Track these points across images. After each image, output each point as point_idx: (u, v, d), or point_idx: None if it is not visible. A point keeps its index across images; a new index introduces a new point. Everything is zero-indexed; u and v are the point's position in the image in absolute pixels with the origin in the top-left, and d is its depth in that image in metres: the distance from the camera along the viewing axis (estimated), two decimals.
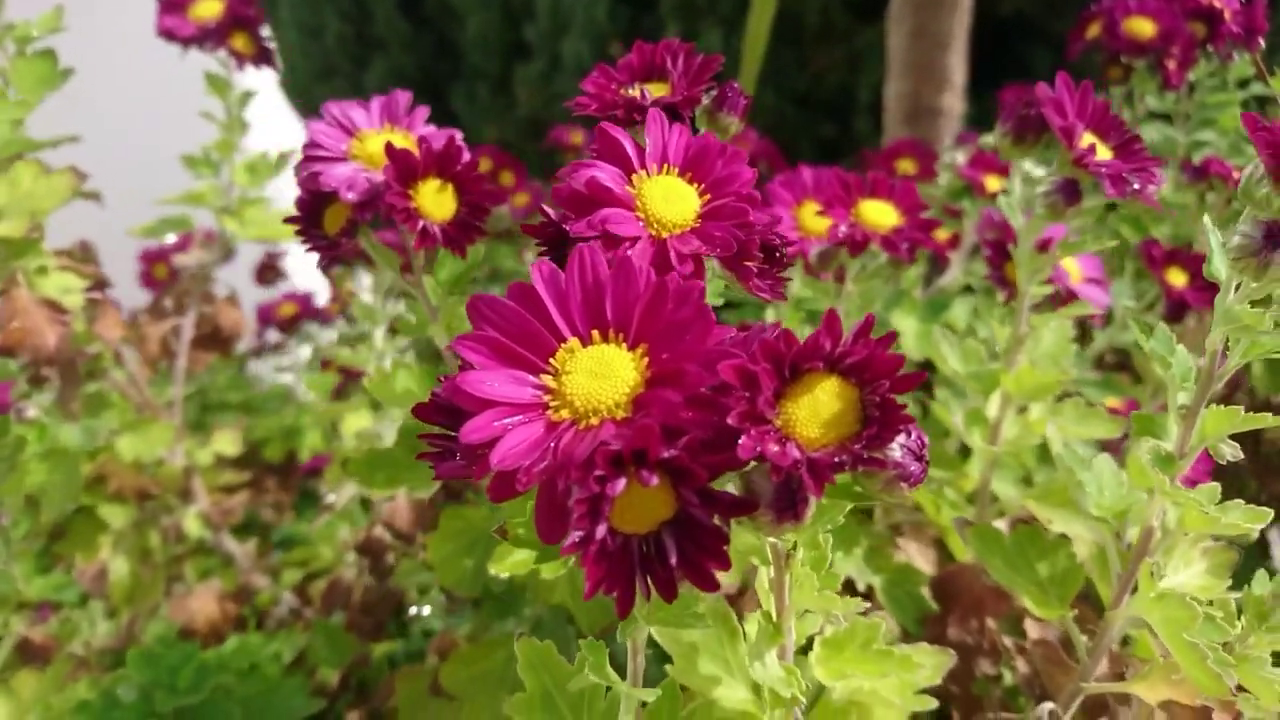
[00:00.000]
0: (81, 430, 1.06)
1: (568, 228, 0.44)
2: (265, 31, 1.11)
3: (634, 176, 0.46)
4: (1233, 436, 0.52)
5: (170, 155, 1.21)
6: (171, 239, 1.59)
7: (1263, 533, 1.12)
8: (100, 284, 1.00)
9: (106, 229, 1.28)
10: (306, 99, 3.36)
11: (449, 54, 3.17)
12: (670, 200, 0.45)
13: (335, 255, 0.65)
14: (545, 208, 0.48)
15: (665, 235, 0.45)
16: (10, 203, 0.86)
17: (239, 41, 1.08)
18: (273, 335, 1.95)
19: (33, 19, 0.93)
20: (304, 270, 2.01)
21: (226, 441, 1.25)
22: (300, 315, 1.88)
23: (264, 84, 1.21)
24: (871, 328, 0.35)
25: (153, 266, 1.68)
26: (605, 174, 0.45)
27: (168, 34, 1.06)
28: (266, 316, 1.87)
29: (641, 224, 0.45)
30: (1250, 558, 0.89)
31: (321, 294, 1.97)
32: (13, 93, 0.90)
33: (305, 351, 1.97)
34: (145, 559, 1.20)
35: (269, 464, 1.46)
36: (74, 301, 0.94)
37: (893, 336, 0.34)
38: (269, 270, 1.98)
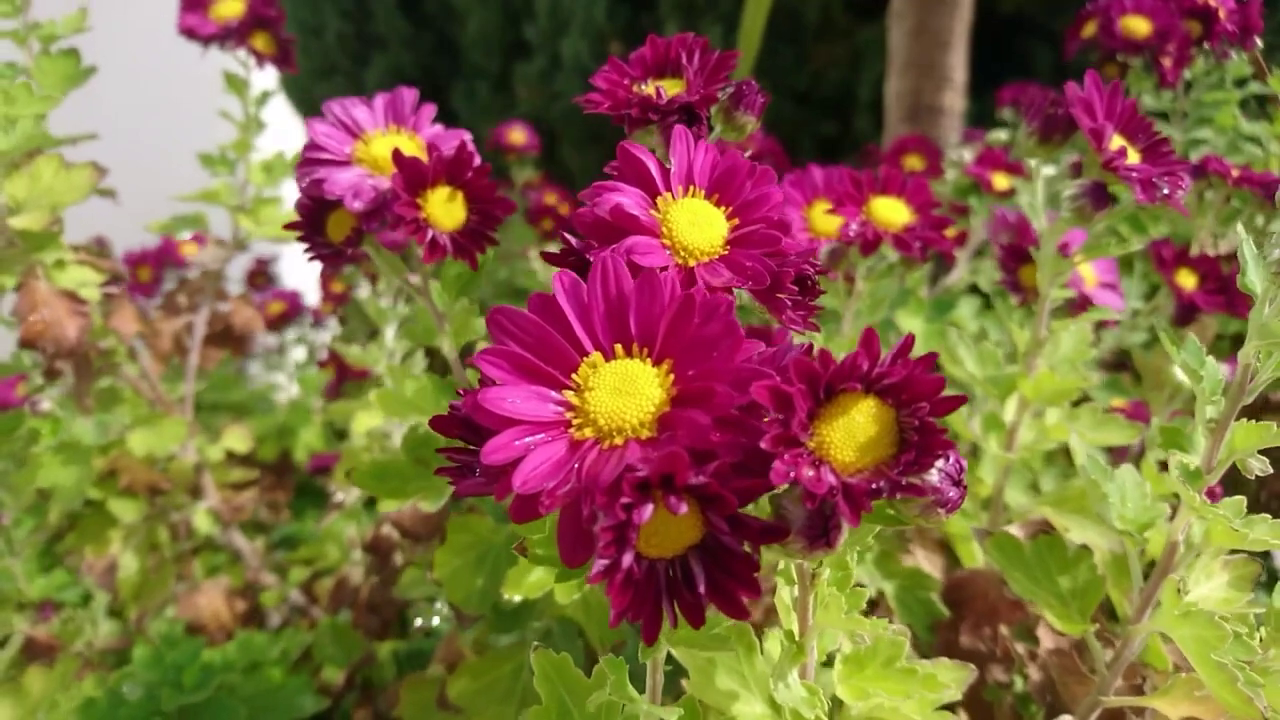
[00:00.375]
0: (95, 425, 1.06)
1: (591, 259, 0.42)
2: (286, 32, 1.11)
3: (659, 200, 0.44)
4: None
5: (182, 153, 1.20)
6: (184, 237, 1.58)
7: None
8: (117, 278, 0.99)
9: (120, 225, 1.27)
10: (306, 97, 3.33)
11: (449, 52, 3.15)
12: (698, 225, 0.44)
13: (340, 263, 0.63)
14: (566, 235, 0.46)
15: (693, 264, 0.43)
16: (31, 196, 0.85)
17: (260, 41, 1.07)
18: (272, 337, 1.94)
19: (57, 18, 0.93)
20: (298, 269, 2.00)
21: (237, 439, 1.25)
22: (288, 313, 1.87)
23: (264, 82, 1.20)
24: (911, 347, 0.33)
25: (136, 270, 1.66)
26: (630, 199, 0.43)
27: (189, 32, 1.05)
28: None
29: (668, 252, 0.43)
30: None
31: (311, 293, 1.96)
32: (36, 88, 0.89)
33: (300, 352, 1.96)
34: (154, 555, 1.20)
35: (264, 463, 1.45)
36: (91, 295, 0.93)
37: (934, 358, 0.33)
38: (259, 276, 1.96)
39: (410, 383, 0.62)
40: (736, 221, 0.45)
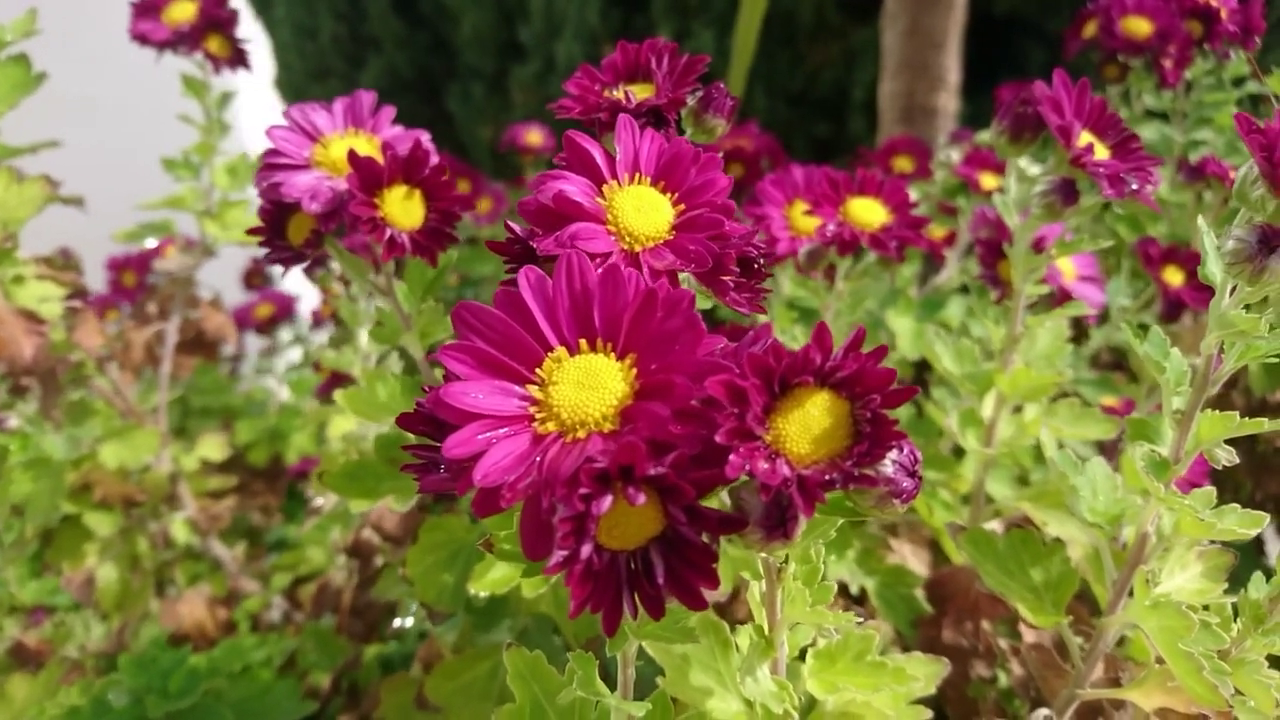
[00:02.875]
0: (65, 439, 1.05)
1: (535, 245, 0.42)
2: (241, 33, 1.10)
3: (604, 187, 0.45)
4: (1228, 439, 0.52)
5: (152, 159, 1.20)
6: (151, 244, 1.58)
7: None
8: (80, 292, 0.99)
9: (88, 233, 1.27)
10: (301, 99, 3.33)
11: (444, 53, 3.15)
12: (643, 211, 0.44)
13: (301, 265, 0.63)
14: (511, 224, 0.46)
15: (638, 249, 0.43)
16: None
17: (214, 44, 1.06)
18: (265, 340, 1.94)
19: (5, 23, 0.91)
20: (293, 272, 1.99)
21: (212, 447, 1.25)
22: (277, 316, 1.86)
23: (259, 84, 1.20)
24: (863, 341, 0.34)
25: (120, 274, 1.66)
26: (574, 186, 0.44)
27: (141, 38, 1.04)
28: (243, 318, 1.85)
29: (613, 238, 0.43)
30: (1246, 556, 0.89)
31: (310, 296, 1.96)
32: None
33: (295, 354, 1.96)
34: (134, 566, 1.20)
35: (255, 468, 1.45)
36: (52, 311, 0.93)
37: (884, 351, 0.33)
38: (256, 275, 1.96)
39: (381, 385, 0.62)
40: (683, 207, 0.45)
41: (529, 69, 2.91)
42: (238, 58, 1.09)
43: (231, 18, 1.07)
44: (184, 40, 1.05)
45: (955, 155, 1.44)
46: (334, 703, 1.05)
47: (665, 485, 0.33)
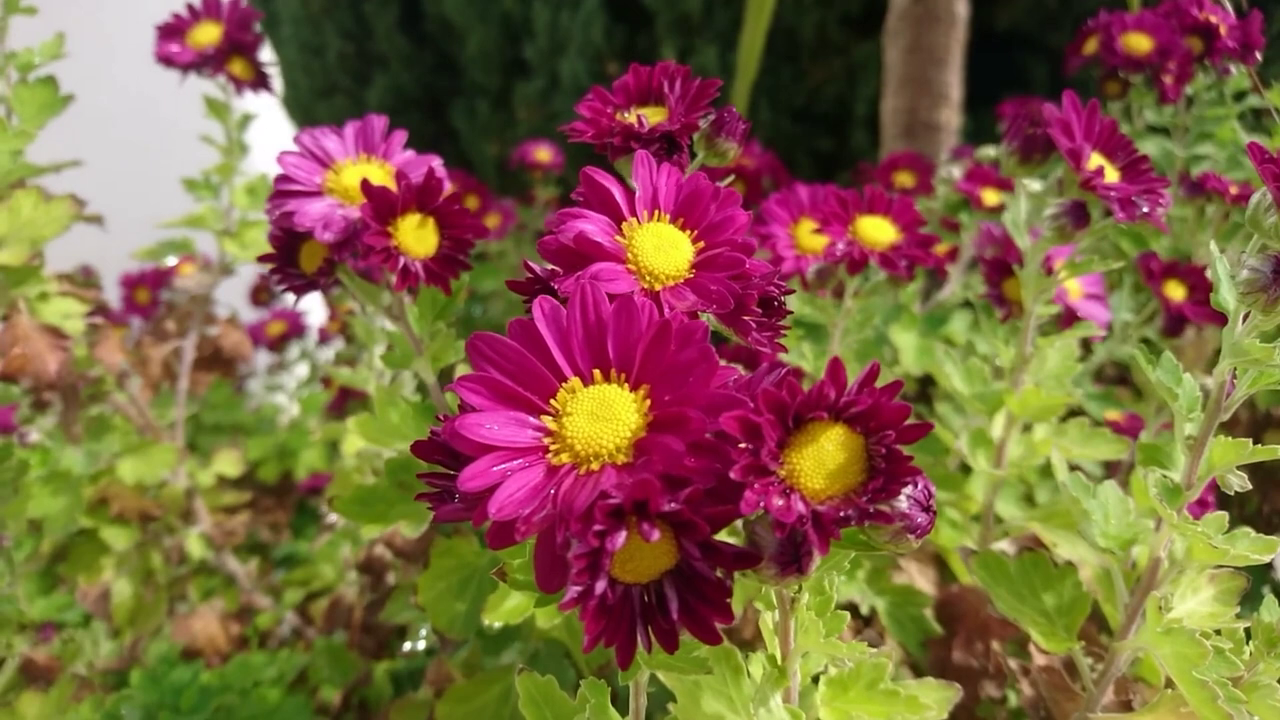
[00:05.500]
0: (84, 454, 1.06)
1: (556, 285, 0.42)
2: (264, 56, 1.11)
3: (624, 225, 0.45)
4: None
5: (171, 178, 1.21)
6: (171, 262, 1.59)
7: None
8: (102, 309, 1.00)
9: (109, 251, 1.28)
10: (308, 117, 3.36)
11: (449, 71, 3.17)
12: (662, 250, 0.44)
13: (313, 292, 0.63)
14: (530, 264, 0.46)
15: (658, 288, 0.43)
16: (11, 231, 0.86)
17: (237, 67, 1.08)
18: (271, 356, 1.94)
19: (34, 46, 0.93)
20: None
21: (227, 463, 1.25)
22: (289, 333, 1.87)
23: (266, 103, 1.21)
24: (876, 376, 0.34)
25: (134, 291, 1.67)
26: (594, 226, 0.44)
27: (166, 60, 1.05)
28: (255, 335, 1.86)
29: (634, 278, 0.43)
30: (1256, 572, 0.88)
31: (318, 311, 1.97)
32: (15, 120, 0.90)
33: (302, 370, 1.96)
34: (148, 580, 1.20)
35: (264, 484, 1.46)
36: (75, 327, 0.94)
37: (899, 385, 0.33)
38: (264, 291, 1.97)
39: (392, 409, 0.62)
40: (702, 245, 0.45)
41: (534, 86, 2.92)
42: (260, 80, 1.11)
43: (255, 41, 1.09)
44: (208, 63, 1.06)
45: (957, 171, 1.44)
46: (344, 718, 1.05)
47: (679, 520, 0.34)
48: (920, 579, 0.88)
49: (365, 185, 0.57)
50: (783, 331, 0.45)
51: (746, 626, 0.77)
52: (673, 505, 0.33)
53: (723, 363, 0.38)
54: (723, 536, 0.37)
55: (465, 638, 0.61)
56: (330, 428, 1.24)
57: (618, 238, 0.44)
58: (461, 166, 3.11)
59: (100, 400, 1.11)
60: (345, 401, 1.45)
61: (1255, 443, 0.53)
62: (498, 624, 0.53)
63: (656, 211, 0.46)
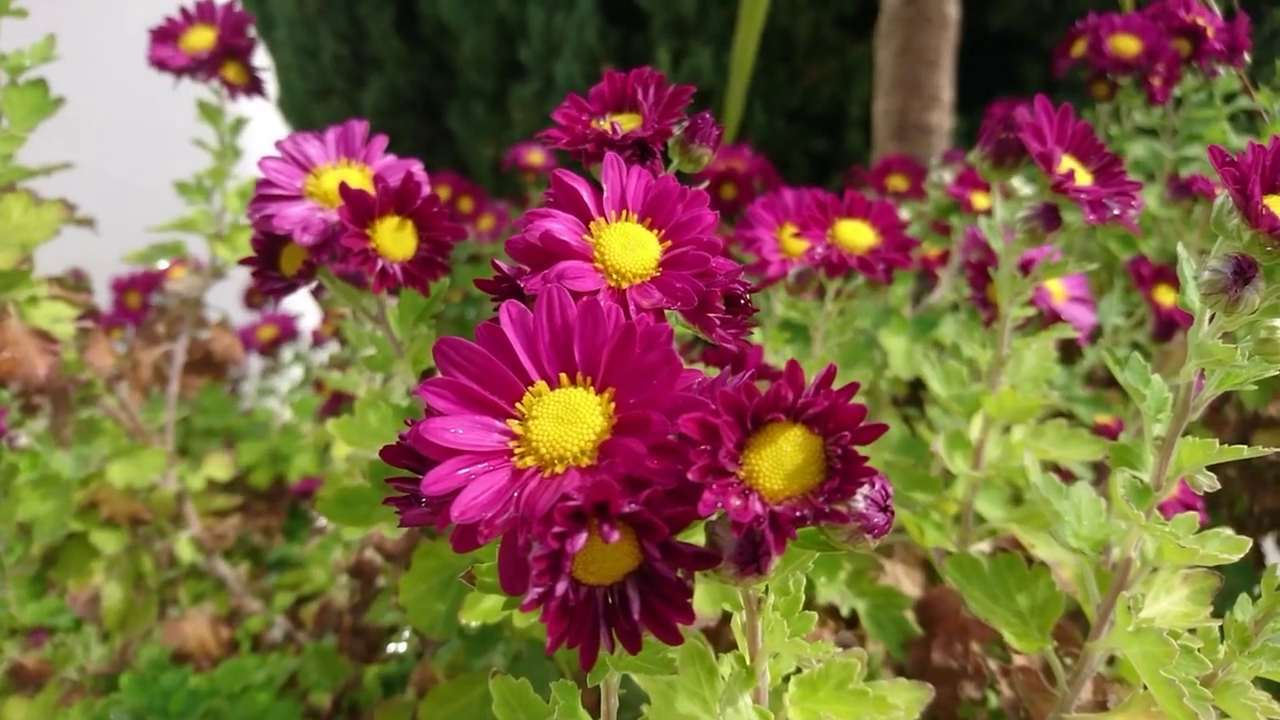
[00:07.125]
0: (73, 458, 1.07)
1: (522, 284, 0.43)
2: (257, 60, 1.11)
3: (592, 224, 0.45)
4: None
5: (163, 182, 1.21)
6: (163, 265, 1.59)
7: (1257, 544, 1.11)
8: (92, 313, 1.01)
9: (100, 255, 1.28)
10: (303, 119, 3.37)
11: (445, 73, 3.18)
12: (630, 249, 0.45)
13: (292, 295, 0.64)
14: (498, 262, 0.47)
15: (625, 286, 0.44)
16: (0, 235, 0.86)
17: (231, 71, 1.08)
18: (266, 360, 1.95)
19: (25, 48, 0.93)
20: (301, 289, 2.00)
21: (218, 466, 1.25)
22: (281, 337, 1.87)
23: (261, 105, 1.21)
24: (834, 378, 0.34)
25: (125, 295, 1.68)
26: (561, 225, 0.44)
27: (160, 64, 1.06)
28: (247, 339, 1.86)
29: (600, 275, 0.44)
30: (1245, 570, 0.88)
31: (311, 314, 1.97)
32: (5, 123, 0.91)
33: (295, 373, 1.96)
34: (138, 584, 1.21)
35: (256, 489, 1.46)
36: (64, 331, 0.94)
37: (855, 387, 0.34)
38: (257, 295, 1.97)
39: (373, 411, 0.63)
40: (669, 244, 0.46)
41: (529, 88, 2.93)
42: (253, 85, 1.11)
43: (249, 46, 1.09)
44: (202, 67, 1.07)
45: (947, 175, 1.45)
46: None
47: (640, 522, 0.34)
48: (906, 581, 0.89)
49: (343, 188, 0.58)
50: (749, 329, 0.46)
51: (729, 631, 0.77)
52: (632, 506, 0.33)
53: (701, 367, 0.39)
54: (691, 538, 0.37)
55: (446, 638, 0.62)
56: (322, 431, 1.24)
57: (585, 237, 0.45)
58: (457, 169, 3.12)
59: (90, 404, 1.11)
60: (338, 405, 1.46)
61: (1244, 443, 0.54)
62: (475, 624, 0.53)
63: (625, 211, 0.46)
